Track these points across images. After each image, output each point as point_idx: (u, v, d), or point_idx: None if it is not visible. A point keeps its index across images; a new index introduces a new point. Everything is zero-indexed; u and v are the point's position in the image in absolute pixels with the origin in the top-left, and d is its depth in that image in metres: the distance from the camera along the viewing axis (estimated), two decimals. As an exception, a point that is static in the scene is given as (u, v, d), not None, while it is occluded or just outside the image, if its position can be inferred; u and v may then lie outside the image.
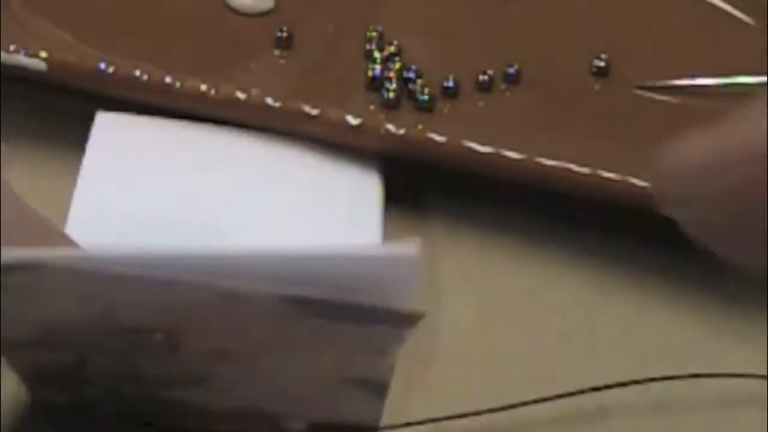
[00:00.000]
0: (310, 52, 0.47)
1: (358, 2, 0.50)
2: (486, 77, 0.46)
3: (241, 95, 0.43)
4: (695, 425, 0.36)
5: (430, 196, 0.44)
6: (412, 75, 0.45)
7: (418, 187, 0.45)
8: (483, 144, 0.43)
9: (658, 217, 0.43)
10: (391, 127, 0.43)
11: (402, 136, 0.43)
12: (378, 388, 0.33)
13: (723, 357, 0.38)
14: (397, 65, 0.46)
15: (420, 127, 0.43)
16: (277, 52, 0.47)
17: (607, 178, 0.42)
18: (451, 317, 0.39)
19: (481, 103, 0.45)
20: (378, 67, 0.45)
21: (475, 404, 0.36)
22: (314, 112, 0.43)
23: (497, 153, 0.42)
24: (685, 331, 0.39)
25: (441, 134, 0.43)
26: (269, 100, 0.43)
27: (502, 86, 0.46)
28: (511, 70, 0.46)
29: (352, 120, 0.43)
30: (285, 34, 0.47)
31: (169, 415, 0.34)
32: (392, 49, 0.47)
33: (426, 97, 0.44)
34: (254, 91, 0.43)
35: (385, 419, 0.35)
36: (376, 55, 0.46)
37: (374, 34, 0.48)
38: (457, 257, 0.42)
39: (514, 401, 0.36)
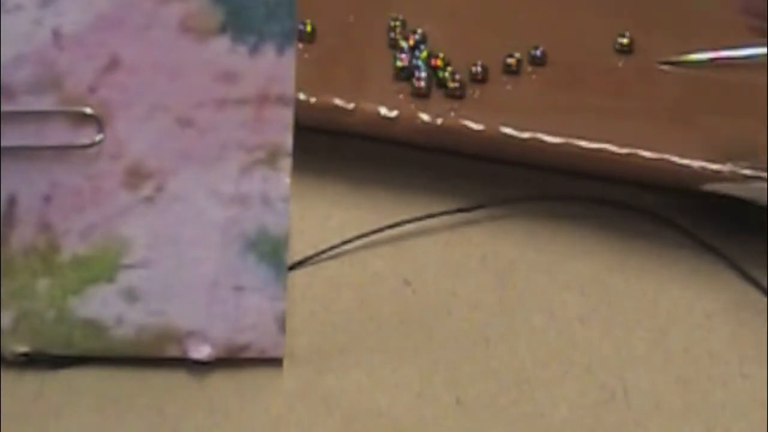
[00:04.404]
0: (333, 45, 0.45)
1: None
2: (513, 60, 0.45)
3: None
4: (716, 401, 0.36)
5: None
6: (438, 63, 0.44)
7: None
8: (520, 130, 0.42)
9: (678, 195, 0.44)
10: (426, 117, 0.42)
11: (440, 126, 0.42)
12: (275, 256, 0.34)
13: (742, 334, 0.39)
14: (424, 53, 0.44)
15: (453, 115, 0.42)
16: (300, 46, 0.45)
17: (644, 157, 0.41)
18: (469, 299, 0.39)
19: (509, 87, 0.44)
20: (405, 56, 0.44)
21: (496, 382, 0.36)
22: (350, 106, 0.42)
23: (535, 138, 0.41)
24: (705, 308, 0.39)
25: (477, 122, 0.42)
26: (302, 96, 0.42)
27: (529, 69, 0.46)
28: (537, 52, 0.46)
29: (388, 112, 0.42)
30: (309, 28, 0.45)
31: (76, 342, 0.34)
32: (417, 37, 0.45)
33: (457, 84, 0.43)
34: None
35: (404, 396, 0.35)
36: (402, 44, 0.45)
37: (397, 22, 0.46)
38: (473, 239, 0.42)
39: (535, 379, 0.36)
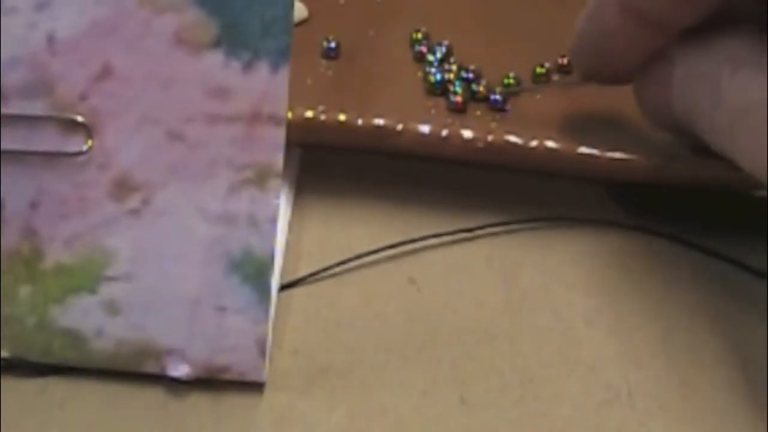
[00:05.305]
0: (359, 61, 0.45)
1: (388, 5, 0.49)
2: (542, 70, 0.45)
3: (310, 114, 0.41)
4: (719, 405, 0.36)
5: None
6: (470, 76, 0.43)
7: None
8: (565, 143, 0.41)
9: (684, 195, 0.43)
10: (468, 133, 0.40)
11: (489, 143, 0.40)
12: (259, 279, 0.33)
13: (746, 337, 0.39)
14: (454, 66, 0.44)
15: (495, 128, 0.41)
16: (324, 63, 0.45)
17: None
18: (475, 299, 0.38)
19: (538, 97, 0.44)
20: (436, 70, 0.43)
21: (500, 381, 0.35)
22: (399, 127, 0.40)
23: (583, 152, 0.40)
24: (710, 311, 0.40)
25: (523, 137, 0.40)
26: (342, 117, 0.41)
27: (556, 77, 0.45)
28: (564, 61, 0.45)
29: (434, 131, 0.40)
30: (334, 44, 0.45)
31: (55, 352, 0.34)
32: (443, 50, 0.45)
33: (498, 98, 0.42)
34: (321, 108, 0.41)
35: (408, 394, 0.35)
36: (431, 58, 0.44)
37: (420, 35, 0.46)
38: (479, 240, 0.41)
39: (539, 379, 0.36)
